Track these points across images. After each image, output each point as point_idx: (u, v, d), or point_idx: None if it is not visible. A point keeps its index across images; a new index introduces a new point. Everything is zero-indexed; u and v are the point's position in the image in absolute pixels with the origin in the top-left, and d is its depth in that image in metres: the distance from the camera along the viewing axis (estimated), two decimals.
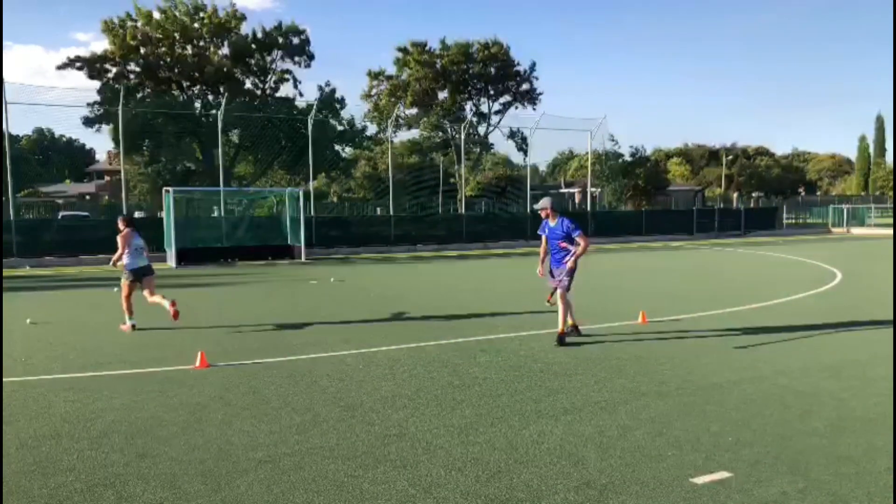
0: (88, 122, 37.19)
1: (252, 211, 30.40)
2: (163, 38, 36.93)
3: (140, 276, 9.38)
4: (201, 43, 38.17)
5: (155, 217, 31.09)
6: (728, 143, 72.24)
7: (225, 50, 38.85)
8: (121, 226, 9.58)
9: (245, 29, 39.15)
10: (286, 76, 40.51)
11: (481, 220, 32.42)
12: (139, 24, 37.03)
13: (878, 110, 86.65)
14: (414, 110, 47.10)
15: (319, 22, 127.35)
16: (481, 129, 48.97)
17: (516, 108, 48.65)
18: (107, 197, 54.95)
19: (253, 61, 39.33)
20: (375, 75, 47.05)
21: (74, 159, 71.55)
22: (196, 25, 37.55)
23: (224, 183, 27.98)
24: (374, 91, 47.42)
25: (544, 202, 8.39)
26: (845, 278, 15.07)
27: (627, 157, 45.25)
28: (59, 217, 34.15)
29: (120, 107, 25.70)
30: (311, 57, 40.85)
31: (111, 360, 7.49)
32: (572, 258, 7.94)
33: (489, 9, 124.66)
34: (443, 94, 46.90)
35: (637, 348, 7.82)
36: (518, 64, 46.97)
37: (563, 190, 58.72)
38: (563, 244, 8.10)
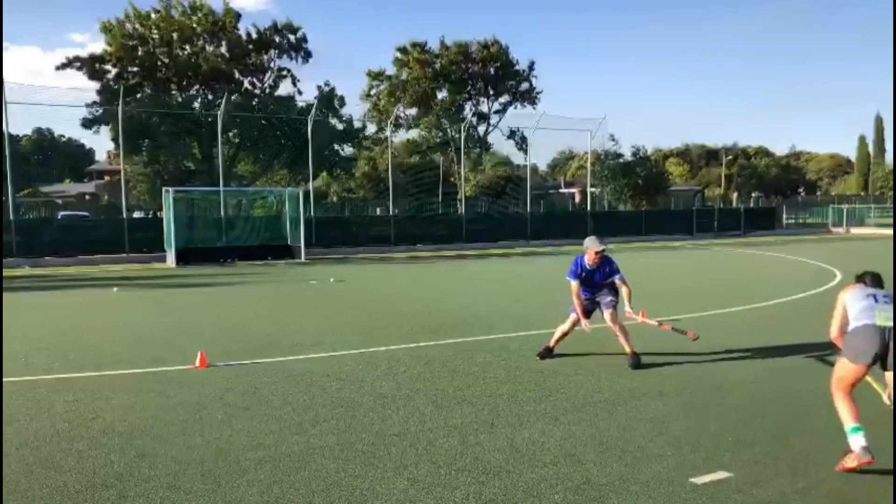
0: (87, 122, 37.19)
1: (252, 211, 30.39)
2: (160, 38, 36.93)
3: None
4: (199, 42, 38.17)
5: (155, 217, 31.10)
6: (728, 143, 72.29)
7: (222, 49, 38.86)
8: None
9: (242, 28, 39.21)
10: (283, 73, 40.53)
11: (481, 220, 32.46)
12: (136, 24, 37.02)
13: (877, 110, 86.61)
14: (413, 110, 47.11)
15: (318, 22, 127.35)
16: (481, 129, 48.97)
17: (516, 107, 48.68)
18: (106, 197, 54.95)
19: (251, 60, 39.32)
20: (375, 75, 47.04)
21: (74, 159, 71.50)
22: (193, 25, 37.54)
23: (224, 183, 27.99)
24: (373, 91, 47.43)
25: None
26: (845, 278, 15.06)
27: (628, 157, 45.27)
28: (59, 217, 34.16)
29: (119, 107, 25.70)
30: (308, 54, 40.85)
31: (111, 360, 7.48)
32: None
33: (489, 8, 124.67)
34: (442, 94, 46.91)
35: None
36: (517, 63, 47.00)
37: (563, 190, 58.73)
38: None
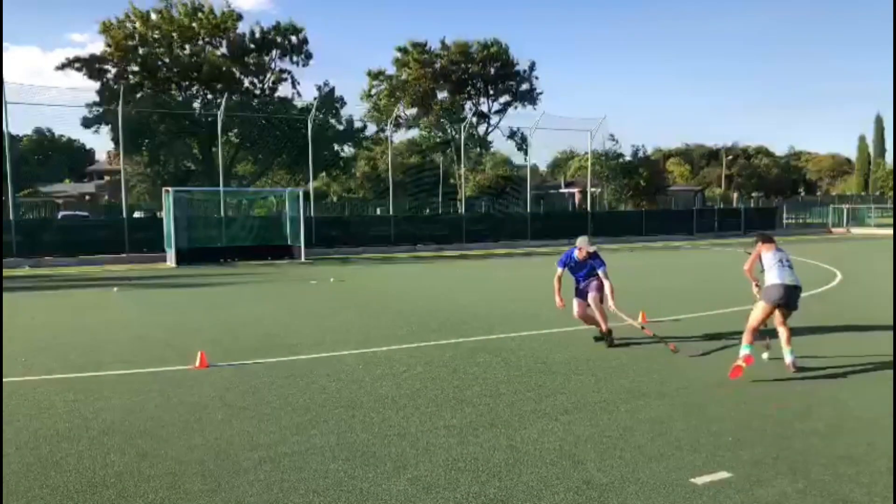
0: (87, 122, 37.19)
1: (252, 211, 30.40)
2: (160, 38, 36.95)
3: None
4: (199, 42, 38.18)
5: (155, 217, 31.11)
6: (728, 143, 72.26)
7: (223, 49, 38.88)
8: None
9: (242, 28, 39.22)
10: (284, 76, 40.55)
11: (481, 220, 32.44)
12: (137, 24, 37.05)
13: (877, 110, 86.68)
14: (414, 110, 47.12)
15: (317, 23, 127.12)
16: (481, 129, 48.97)
17: (516, 108, 48.68)
18: (106, 197, 54.95)
19: (251, 61, 39.33)
20: (375, 75, 47.06)
21: (74, 159, 71.48)
22: (194, 25, 37.56)
23: (224, 183, 27.99)
24: (373, 91, 47.44)
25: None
26: (845, 278, 15.06)
27: (628, 157, 45.26)
28: (59, 217, 34.16)
29: (119, 107, 25.70)
30: (308, 56, 40.88)
31: (111, 360, 7.48)
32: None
33: (489, 9, 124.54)
34: (442, 94, 46.91)
35: (637, 348, 7.82)
36: (518, 64, 47.00)
37: (563, 190, 58.70)
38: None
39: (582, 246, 8.12)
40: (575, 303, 8.22)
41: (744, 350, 6.52)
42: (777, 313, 6.77)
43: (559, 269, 8.31)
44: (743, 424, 5.12)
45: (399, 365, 7.15)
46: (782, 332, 6.72)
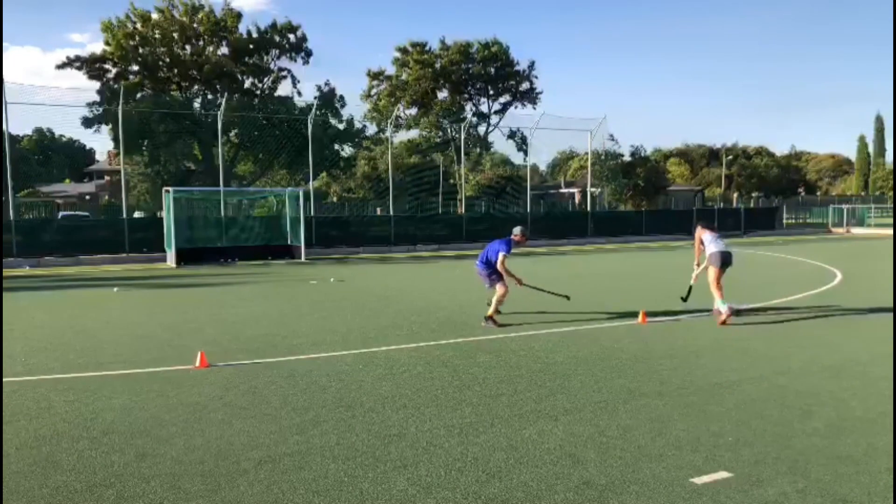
0: (88, 122, 37.17)
1: (252, 211, 30.40)
2: (161, 38, 36.96)
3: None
4: (200, 42, 38.20)
5: (155, 217, 31.10)
6: (728, 143, 72.24)
7: (223, 49, 38.89)
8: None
9: (241, 28, 39.23)
10: (283, 73, 40.57)
11: (481, 220, 32.43)
12: (138, 24, 37.06)
13: (877, 110, 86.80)
14: (414, 110, 47.12)
15: (318, 22, 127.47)
16: (481, 129, 48.94)
17: (516, 107, 48.62)
18: (107, 197, 54.95)
19: (251, 60, 39.34)
20: (375, 75, 47.04)
21: (74, 159, 71.48)
22: (195, 25, 37.59)
23: (224, 183, 27.98)
24: (373, 91, 47.43)
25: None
26: (845, 278, 15.06)
27: (628, 157, 45.26)
28: (59, 217, 34.17)
29: (119, 106, 25.70)
30: (308, 54, 40.90)
31: (111, 360, 7.49)
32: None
33: (489, 9, 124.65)
34: (442, 95, 46.89)
35: (637, 348, 7.82)
36: (518, 63, 46.97)
37: (563, 190, 58.70)
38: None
39: (524, 232, 10.41)
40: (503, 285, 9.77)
41: (722, 305, 9.22)
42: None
43: (506, 254, 9.95)
44: (743, 424, 5.12)
45: (399, 365, 7.15)
46: (715, 291, 9.36)
